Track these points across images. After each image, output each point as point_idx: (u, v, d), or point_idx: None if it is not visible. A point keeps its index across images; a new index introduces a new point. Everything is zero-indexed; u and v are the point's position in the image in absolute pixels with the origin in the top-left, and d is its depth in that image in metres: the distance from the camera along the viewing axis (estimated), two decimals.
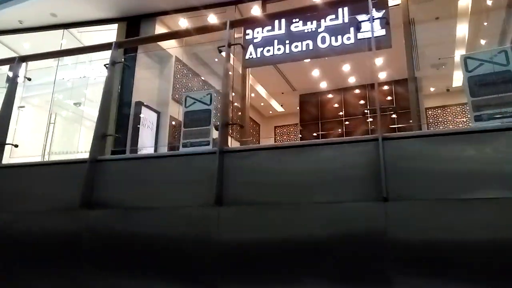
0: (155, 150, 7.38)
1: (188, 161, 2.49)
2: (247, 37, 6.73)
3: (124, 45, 3.06)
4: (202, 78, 8.75)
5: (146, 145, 7.17)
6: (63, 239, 2.54)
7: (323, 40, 6.17)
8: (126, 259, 2.35)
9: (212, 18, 7.36)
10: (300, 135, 10.12)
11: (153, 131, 7.46)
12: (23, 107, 8.81)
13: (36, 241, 2.60)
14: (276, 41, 6.49)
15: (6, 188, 2.82)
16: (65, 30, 7.95)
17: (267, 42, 6.54)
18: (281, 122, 11.03)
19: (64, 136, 8.34)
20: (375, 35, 5.79)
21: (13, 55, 8.89)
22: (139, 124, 7.06)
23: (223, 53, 2.63)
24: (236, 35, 6.57)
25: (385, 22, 5.76)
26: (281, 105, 10.43)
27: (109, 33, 7.77)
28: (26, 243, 2.62)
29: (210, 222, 2.20)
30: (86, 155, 2.66)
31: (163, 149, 7.85)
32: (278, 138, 11.13)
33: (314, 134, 9.81)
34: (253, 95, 9.08)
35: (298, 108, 10.19)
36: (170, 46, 7.65)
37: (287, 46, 6.41)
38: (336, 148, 2.09)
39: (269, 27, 6.52)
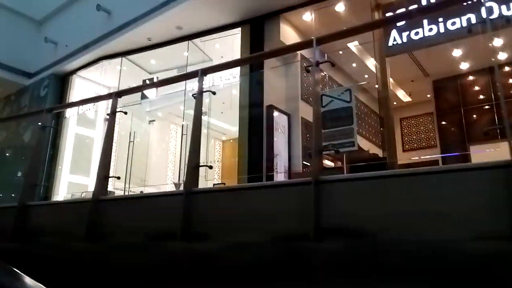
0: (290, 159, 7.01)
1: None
2: None
3: (324, 41, 2.61)
4: (325, 73, 8.20)
5: (281, 151, 6.85)
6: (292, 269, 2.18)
7: (490, 11, 5.18)
8: None
9: (340, 7, 6.77)
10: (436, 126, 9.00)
11: (286, 135, 7.12)
12: (153, 121, 9.17)
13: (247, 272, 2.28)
14: (426, 21, 5.65)
15: (214, 214, 2.56)
16: (189, 41, 8.03)
17: (414, 22, 5.73)
18: (407, 113, 9.99)
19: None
20: None
21: (142, 73, 9.36)
22: (273, 129, 6.76)
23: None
24: None
25: None
26: (409, 94, 9.41)
27: (231, 39, 7.64)
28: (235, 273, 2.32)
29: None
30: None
31: None
32: (405, 131, 10.10)
33: (443, 122, 8.64)
34: (376, 86, 8.25)
35: (428, 96, 9.07)
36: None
37: (441, 24, 5.54)
38: None
39: (415, 5, 5.70)
